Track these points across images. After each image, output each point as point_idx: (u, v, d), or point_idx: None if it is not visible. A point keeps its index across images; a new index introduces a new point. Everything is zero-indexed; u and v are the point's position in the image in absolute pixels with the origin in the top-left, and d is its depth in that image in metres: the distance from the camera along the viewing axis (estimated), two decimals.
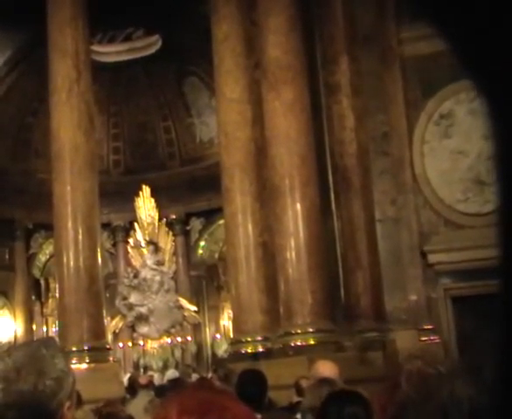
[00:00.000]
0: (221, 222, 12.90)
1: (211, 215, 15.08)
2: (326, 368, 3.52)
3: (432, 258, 9.22)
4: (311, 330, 7.70)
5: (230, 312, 12.92)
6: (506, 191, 0.42)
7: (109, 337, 13.73)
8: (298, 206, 7.95)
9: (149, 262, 15.12)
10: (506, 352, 0.42)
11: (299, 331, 7.72)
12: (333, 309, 8.02)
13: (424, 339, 8.73)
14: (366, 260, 8.70)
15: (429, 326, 8.96)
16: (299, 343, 7.68)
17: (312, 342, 7.63)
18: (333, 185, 8.86)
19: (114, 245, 15.92)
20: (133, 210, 15.35)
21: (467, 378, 0.82)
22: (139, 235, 15.44)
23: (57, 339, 8.10)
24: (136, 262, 15.44)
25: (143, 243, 15.35)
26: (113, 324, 14.71)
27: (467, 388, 0.83)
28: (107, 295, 14.89)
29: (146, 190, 15.30)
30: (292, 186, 7.98)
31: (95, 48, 13.17)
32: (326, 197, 8.62)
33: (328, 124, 8.98)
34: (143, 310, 14.60)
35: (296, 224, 7.92)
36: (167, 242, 15.59)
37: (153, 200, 15.36)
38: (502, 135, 0.43)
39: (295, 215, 7.94)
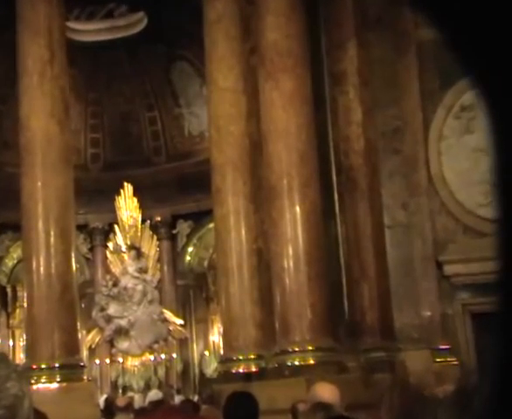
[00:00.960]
0: (211, 225, 12.85)
1: (201, 217, 15.12)
2: (325, 391, 3.54)
3: (448, 270, 9.20)
4: (310, 348, 7.74)
5: (220, 326, 12.94)
6: (506, 202, 0.45)
7: (84, 353, 13.75)
8: (297, 209, 7.99)
9: (131, 269, 15.12)
10: (505, 367, 0.45)
11: (296, 349, 7.75)
12: (335, 325, 8.07)
13: (439, 360, 8.70)
14: (373, 270, 8.74)
15: (445, 346, 8.93)
16: (296, 362, 7.71)
17: (311, 362, 7.66)
18: (336, 186, 8.91)
19: (91, 250, 15.93)
20: (113, 211, 15.35)
21: (451, 407, 0.84)
22: (119, 238, 15.44)
23: (23, 354, 8.12)
24: (116, 269, 15.44)
25: (124, 248, 15.35)
26: (88, 338, 14.71)
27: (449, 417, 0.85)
28: (83, 305, 14.91)
29: (128, 189, 15.29)
30: (290, 187, 8.02)
31: (72, 25, 13.13)
32: (328, 200, 8.68)
33: (332, 118, 9.01)
34: (123, 323, 14.60)
35: (295, 229, 7.96)
36: (151, 247, 15.60)
37: (135, 200, 15.35)
38: (503, 145, 0.47)
39: (294, 219, 7.98)
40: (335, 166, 8.91)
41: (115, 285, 15.12)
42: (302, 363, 7.65)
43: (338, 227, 8.85)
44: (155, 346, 14.74)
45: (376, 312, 8.65)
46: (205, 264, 16.11)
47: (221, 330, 10.15)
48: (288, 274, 7.88)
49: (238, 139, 8.89)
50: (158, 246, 15.67)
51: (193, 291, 15.96)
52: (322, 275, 7.94)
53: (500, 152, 0.51)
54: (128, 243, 15.34)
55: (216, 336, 15.45)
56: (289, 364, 7.71)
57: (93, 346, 14.84)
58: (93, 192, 15.12)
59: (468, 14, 0.54)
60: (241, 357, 8.52)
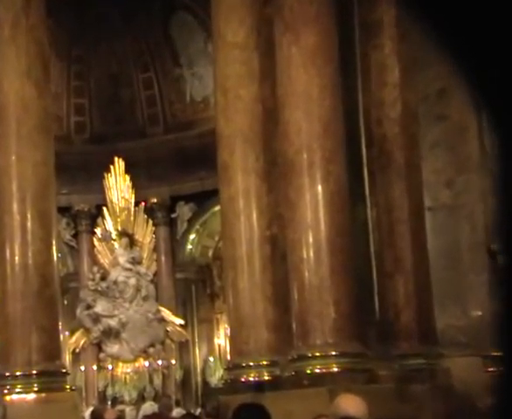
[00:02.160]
0: (217, 209, 12.84)
1: (204, 199, 15.12)
2: (351, 405, 3.56)
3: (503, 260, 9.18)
4: (333, 353, 7.77)
5: (227, 327, 12.97)
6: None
7: (67, 358, 13.85)
8: (319, 189, 8.00)
9: (122, 260, 15.20)
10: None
11: (317, 354, 7.79)
12: (363, 326, 8.07)
13: (491, 369, 8.66)
14: (410, 261, 8.72)
15: (498, 353, 8.88)
16: (317, 370, 7.76)
17: (334, 369, 7.71)
18: (367, 161, 8.86)
19: (76, 237, 16.00)
20: (101, 191, 15.39)
21: None
22: (109, 224, 15.52)
23: None
24: (105, 259, 15.53)
25: (114, 235, 15.43)
26: (72, 340, 14.82)
27: None
28: (66, 302, 15.01)
29: (119, 165, 15.34)
30: (311, 162, 8.02)
31: None
32: (357, 177, 8.63)
33: (363, 78, 8.95)
34: (113, 323, 14.70)
35: (316, 213, 7.97)
36: (145, 234, 15.67)
37: (128, 178, 15.39)
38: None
39: (315, 200, 7.99)
40: (366, 137, 8.85)
41: (104, 278, 15.20)
42: (324, 371, 7.70)
43: (368, 210, 8.81)
44: (151, 350, 14.82)
45: (413, 311, 8.63)
46: (210, 254, 16.14)
47: (228, 331, 10.22)
48: (308, 266, 7.91)
49: (249, 105, 8.90)
50: (154, 233, 15.73)
51: (195, 286, 16.02)
52: (348, 267, 7.96)
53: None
54: (119, 229, 15.41)
55: (222, 339, 15.50)
56: (308, 372, 7.76)
57: (78, 350, 14.94)
58: (78, 168, 15.18)
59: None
60: (252, 363, 8.59)
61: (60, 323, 8.94)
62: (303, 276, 7.93)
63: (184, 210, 15.84)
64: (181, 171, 15.31)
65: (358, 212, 8.64)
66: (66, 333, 14.49)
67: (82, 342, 14.92)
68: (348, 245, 8.01)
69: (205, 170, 13.85)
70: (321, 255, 7.89)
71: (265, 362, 8.56)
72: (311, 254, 7.92)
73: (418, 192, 8.93)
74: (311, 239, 7.93)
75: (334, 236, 7.90)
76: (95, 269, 15.30)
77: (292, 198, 8.13)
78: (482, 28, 0.69)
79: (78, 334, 14.94)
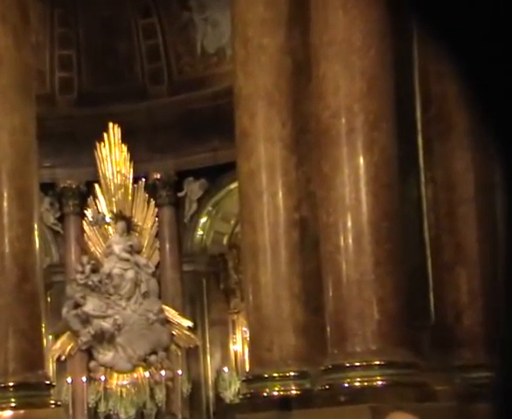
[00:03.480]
0: (233, 186, 12.85)
1: (219, 175, 15.12)
2: None
3: None
4: (377, 363, 7.74)
5: (245, 330, 12.95)
6: None
7: (51, 367, 13.92)
8: (360, 161, 7.96)
9: (118, 248, 15.25)
10: None
11: (357, 363, 7.78)
12: (415, 330, 8.07)
13: None
14: (475, 251, 8.67)
15: None
16: (357, 383, 7.74)
17: (378, 382, 7.68)
18: (422, 126, 8.81)
19: (62, 220, 16.03)
20: (92, 164, 15.38)
21: None
22: (102, 204, 15.54)
23: None
24: (96, 248, 15.57)
25: (108, 218, 15.46)
26: (57, 346, 14.91)
27: None
28: (49, 300, 15.10)
29: (114, 132, 15.33)
30: (351, 128, 7.97)
31: None
32: (409, 147, 8.57)
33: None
34: (106, 325, 14.75)
35: (356, 191, 7.95)
36: (146, 217, 15.69)
37: (125, 148, 15.38)
38: None
39: (355, 175, 7.96)
40: (421, 96, 8.81)
41: (95, 270, 15.24)
42: (365, 385, 7.68)
43: (422, 187, 8.74)
44: (152, 358, 14.87)
45: (477, 313, 8.60)
46: (224, 241, 16.13)
47: (247, 336, 10.27)
48: (346, 256, 7.91)
49: (274, 57, 8.86)
50: (157, 216, 15.70)
51: (207, 281, 16.01)
52: (397, 257, 7.93)
53: None
54: (114, 210, 15.44)
55: (239, 344, 15.52)
56: (346, 385, 7.77)
57: (64, 358, 15.00)
58: (64, 137, 15.16)
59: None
60: (276, 374, 8.59)
61: (43, 325, 8.99)
62: (340, 268, 7.94)
63: (194, 188, 15.79)
64: (190, 140, 15.26)
65: (410, 190, 8.59)
66: (50, 336, 14.57)
67: (69, 348, 14.99)
68: (396, 231, 7.97)
69: (220, 139, 13.82)
70: (363, 242, 7.88)
71: (292, 373, 8.56)
72: (350, 241, 7.92)
73: (487, 165, 8.74)
74: (350, 223, 7.94)
75: (378, 220, 7.88)
76: (85, 259, 15.33)
77: (326, 173, 8.13)
78: None
79: (64, 339, 15.01)
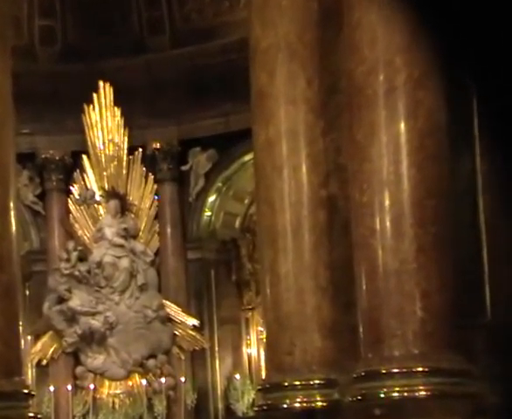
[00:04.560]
0: (248, 158, 12.99)
1: (230, 144, 15.23)
2: None
3: None
4: (420, 369, 7.71)
5: (261, 330, 13.02)
6: None
7: (30, 373, 13.97)
8: (401, 127, 7.91)
9: (109, 232, 15.37)
10: None
11: (395, 370, 7.76)
12: (467, 330, 8.01)
13: None
14: None
15: None
16: (395, 394, 7.70)
17: (421, 393, 7.63)
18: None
19: (43, 197, 16.12)
20: (79, 131, 15.50)
21: None
22: (90, 179, 15.61)
23: None
24: (84, 231, 15.65)
25: (98, 196, 15.51)
26: (37, 348, 15.03)
27: None
28: (28, 293, 15.20)
29: (105, 93, 15.42)
30: (391, 87, 7.90)
31: None
32: (462, 110, 8.46)
33: None
34: (96, 323, 14.82)
35: (396, 163, 7.91)
36: (144, 194, 15.86)
37: (119, 112, 15.46)
38: None
39: (396, 144, 7.91)
40: None
41: (83, 258, 15.33)
42: (406, 395, 7.65)
43: (477, 160, 8.64)
44: (151, 362, 14.98)
45: None
46: (237, 224, 16.25)
47: (263, 336, 10.32)
48: (383, 241, 7.90)
49: (297, 2, 8.87)
50: (157, 193, 15.83)
51: (215, 271, 16.14)
52: (444, 244, 7.89)
53: None
54: (106, 187, 15.51)
55: (254, 347, 15.71)
56: (382, 396, 7.73)
57: (46, 363, 15.10)
58: (46, 97, 15.21)
59: None
60: (298, 383, 8.59)
61: (20, 323, 8.98)
62: (375, 256, 7.92)
63: (201, 160, 15.88)
64: (196, 103, 15.31)
65: (462, 162, 8.53)
66: (29, 337, 14.63)
67: (51, 351, 15.12)
68: (444, 211, 7.92)
69: (232, 101, 13.84)
70: (404, 225, 7.83)
71: (317, 381, 8.55)
72: (387, 224, 7.88)
73: None
74: (388, 202, 7.90)
75: (423, 198, 7.84)
76: (71, 245, 15.44)
77: (360, 141, 8.09)
78: None
79: (45, 339, 15.14)
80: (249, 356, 15.81)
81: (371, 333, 7.90)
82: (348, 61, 8.24)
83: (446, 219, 7.95)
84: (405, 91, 7.90)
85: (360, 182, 8.06)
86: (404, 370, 7.72)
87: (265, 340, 9.80)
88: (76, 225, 15.68)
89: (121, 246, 15.27)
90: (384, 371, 7.78)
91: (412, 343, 7.72)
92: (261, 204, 9.18)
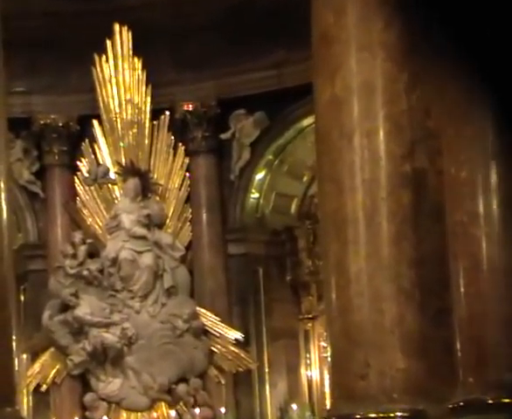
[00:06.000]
0: (307, 122, 13.04)
1: (284, 105, 15.35)
2: None
3: None
4: None
5: (324, 345, 12.98)
6: None
7: (25, 402, 14.06)
8: None
9: (128, 220, 15.44)
10: None
11: (506, 400, 7.88)
12: None
13: None
14: None
15: None
16: None
17: None
18: None
19: (41, 176, 16.21)
20: (88, 90, 15.66)
21: None
22: (103, 151, 15.69)
23: None
24: (95, 218, 15.73)
25: (113, 174, 15.59)
26: (35, 369, 15.17)
27: None
28: (22, 298, 15.29)
29: (122, 39, 15.51)
30: None
31: None
32: None
33: None
34: (111, 337, 14.87)
35: None
36: (172, 171, 16.02)
37: (139, 64, 15.57)
38: None
39: None
40: None
41: (93, 254, 15.40)
42: None
43: None
44: (181, 388, 15.04)
45: None
46: (292, 208, 16.33)
47: (328, 355, 10.52)
48: (488, 229, 8.11)
49: None
50: (188, 170, 15.99)
51: (265, 270, 16.25)
52: None
53: None
54: (123, 161, 15.57)
55: (315, 368, 15.79)
56: None
57: (46, 388, 15.30)
58: (45, 46, 15.25)
59: None
60: (374, 415, 8.61)
61: (13, 337, 8.98)
62: (478, 250, 8.09)
63: (245, 126, 15.91)
64: (238, 51, 15.26)
65: None
66: (24, 355, 14.70)
67: (53, 373, 15.20)
68: None
69: (286, 48, 13.78)
70: None
71: (399, 414, 8.52)
72: (493, 207, 8.03)
73: None
74: (494, 178, 8.10)
75: None
76: (77, 237, 15.52)
77: (457, 100, 8.22)
78: None
79: (45, 358, 15.23)
80: (309, 380, 15.89)
81: (472, 352, 8.04)
82: None
83: None
84: None
85: (457, 152, 8.14)
86: None
87: (330, 358, 9.67)
88: (84, 211, 15.77)
89: (143, 238, 15.36)
90: (489, 401, 7.87)
91: None
92: (325, 183, 9.19)
